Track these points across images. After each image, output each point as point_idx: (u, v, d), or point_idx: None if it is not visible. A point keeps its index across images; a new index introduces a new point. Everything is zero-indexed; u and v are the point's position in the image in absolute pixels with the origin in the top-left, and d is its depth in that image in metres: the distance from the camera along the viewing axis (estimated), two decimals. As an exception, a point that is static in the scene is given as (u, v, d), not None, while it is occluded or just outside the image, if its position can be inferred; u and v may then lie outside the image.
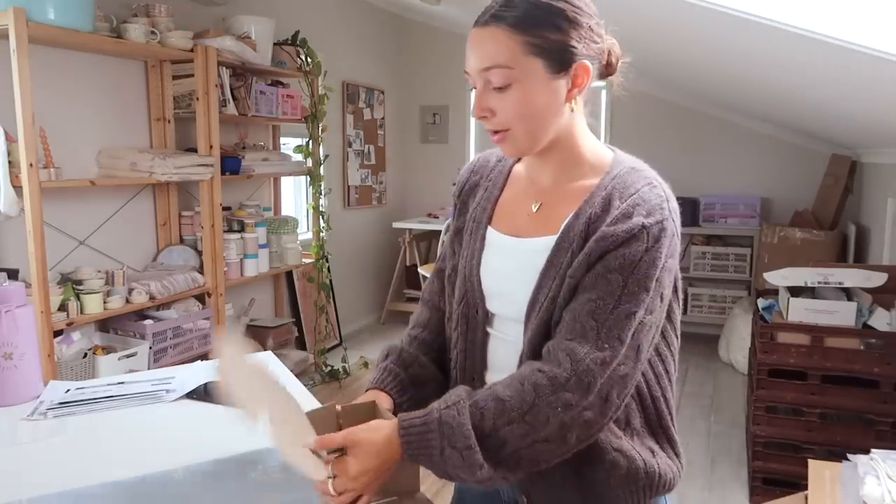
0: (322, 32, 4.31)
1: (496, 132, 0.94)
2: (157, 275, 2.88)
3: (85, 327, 2.64)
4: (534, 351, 0.93)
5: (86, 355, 2.47)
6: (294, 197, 4.61)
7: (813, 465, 1.46)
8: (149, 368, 2.62)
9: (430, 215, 5.45)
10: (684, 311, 4.82)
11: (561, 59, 0.90)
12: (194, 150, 3.05)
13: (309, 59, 3.67)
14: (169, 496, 0.94)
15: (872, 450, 1.44)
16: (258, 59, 3.27)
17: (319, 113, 3.74)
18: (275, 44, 3.52)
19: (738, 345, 4.13)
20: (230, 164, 3.18)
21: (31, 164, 2.21)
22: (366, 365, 4.13)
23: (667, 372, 0.98)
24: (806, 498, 1.40)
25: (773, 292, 2.94)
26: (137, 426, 1.18)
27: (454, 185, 1.16)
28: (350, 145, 4.89)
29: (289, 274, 4.14)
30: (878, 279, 2.56)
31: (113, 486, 0.95)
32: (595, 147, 0.99)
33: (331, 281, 4.01)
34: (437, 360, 1.10)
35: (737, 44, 2.38)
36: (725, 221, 4.78)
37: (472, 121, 5.47)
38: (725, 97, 4.34)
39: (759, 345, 2.62)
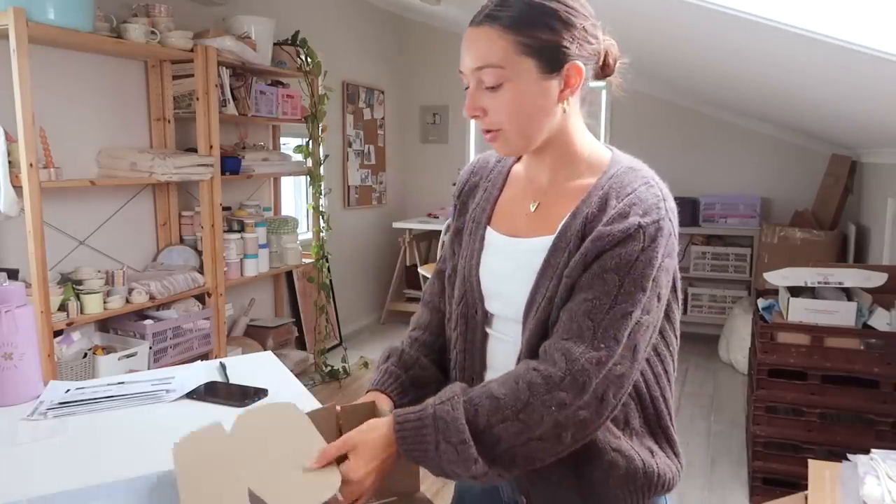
0: (322, 32, 4.31)
1: (488, 131, 0.95)
2: (157, 275, 2.88)
3: (85, 327, 2.64)
4: (531, 351, 0.93)
5: (86, 355, 2.47)
6: (294, 197, 4.61)
7: (813, 465, 1.46)
8: (149, 368, 2.62)
9: (430, 215, 5.45)
10: (684, 311, 4.86)
11: (553, 60, 0.90)
12: (194, 150, 3.05)
13: (309, 59, 3.67)
14: (169, 496, 0.94)
15: (872, 450, 1.44)
16: (258, 59, 3.27)
17: (319, 113, 3.74)
18: (275, 44, 3.52)
19: (738, 345, 4.13)
20: (230, 164, 3.18)
21: (31, 164, 2.21)
22: (366, 365, 4.13)
23: (666, 372, 0.98)
24: (806, 498, 1.40)
25: (773, 292, 2.94)
26: (137, 426, 1.18)
27: (454, 185, 1.16)
28: (350, 145, 4.89)
29: (289, 274, 4.14)
30: (878, 279, 2.56)
31: (113, 486, 0.95)
32: (593, 146, 0.99)
33: (331, 281, 4.01)
34: (438, 361, 1.11)
35: (737, 44, 2.38)
36: (725, 221, 4.78)
37: (472, 121, 5.46)
38: (725, 97, 4.34)
39: (759, 345, 2.62)
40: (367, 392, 1.05)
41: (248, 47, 3.16)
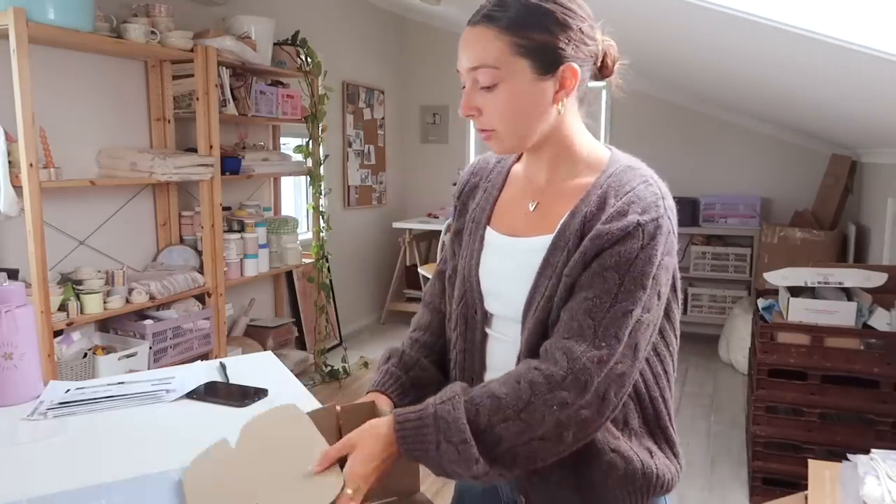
0: (322, 32, 4.31)
1: (483, 130, 0.95)
2: (157, 275, 2.88)
3: (85, 327, 2.64)
4: (531, 350, 0.93)
5: (86, 355, 2.47)
6: (294, 197, 4.61)
7: (813, 465, 1.46)
8: (149, 368, 2.62)
9: (430, 215, 5.45)
10: (684, 311, 4.86)
11: (548, 61, 0.90)
12: (194, 150, 3.05)
13: (309, 59, 3.67)
14: (169, 496, 0.94)
15: (872, 450, 1.44)
16: (258, 59, 3.27)
17: (319, 113, 3.74)
18: (275, 44, 3.52)
19: (738, 345, 4.13)
20: (230, 164, 3.18)
21: (31, 164, 2.21)
22: (366, 365, 4.13)
23: (665, 372, 0.97)
24: (806, 498, 1.40)
25: (773, 292, 2.94)
26: (137, 426, 1.18)
27: (454, 185, 1.16)
28: (350, 145, 4.89)
29: (289, 274, 4.14)
30: (878, 279, 2.56)
31: (113, 486, 0.95)
32: (591, 146, 0.99)
33: (331, 281, 4.01)
34: (439, 362, 1.11)
35: (735, 43, 2.38)
36: (725, 221, 4.78)
37: (473, 123, 5.46)
38: (725, 97, 4.34)
39: (759, 345, 2.62)
40: (368, 393, 1.05)
41: (248, 47, 3.16)
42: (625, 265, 0.87)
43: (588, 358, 0.84)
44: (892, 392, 2.41)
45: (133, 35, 2.60)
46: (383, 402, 1.01)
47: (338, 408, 0.96)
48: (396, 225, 5.21)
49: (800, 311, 2.56)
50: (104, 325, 2.80)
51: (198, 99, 2.94)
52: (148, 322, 2.76)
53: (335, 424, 0.95)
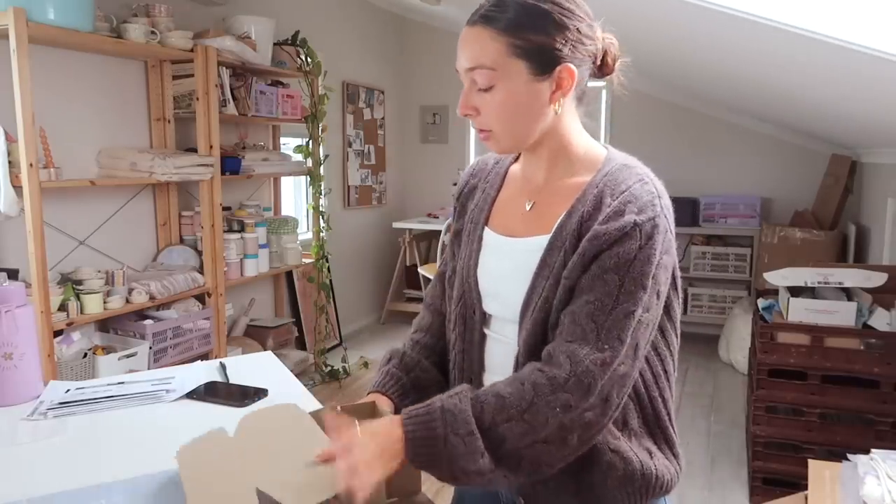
0: (322, 32, 4.31)
1: (482, 130, 0.96)
2: (157, 275, 2.88)
3: (85, 327, 2.64)
4: (529, 352, 0.93)
5: (86, 355, 2.47)
6: (294, 197, 4.61)
7: (813, 465, 1.46)
8: (149, 368, 2.62)
9: (430, 215, 5.45)
10: (684, 311, 4.85)
11: (544, 62, 0.90)
12: (194, 150, 3.05)
13: (309, 59, 3.67)
14: (169, 496, 0.94)
15: (872, 450, 1.44)
16: (258, 59, 3.27)
17: (319, 113, 3.74)
18: (275, 44, 3.52)
19: (738, 345, 4.13)
20: (230, 164, 3.18)
21: (31, 164, 2.21)
22: (366, 365, 4.13)
23: (665, 372, 0.97)
24: (806, 498, 1.40)
25: (773, 292, 2.94)
26: (137, 426, 1.18)
27: (454, 185, 1.16)
28: (350, 145, 4.89)
29: (289, 274, 4.14)
30: (878, 279, 2.56)
31: (113, 486, 0.95)
32: (588, 145, 0.99)
33: (331, 281, 4.01)
34: (439, 363, 1.11)
35: (736, 43, 2.38)
36: (725, 221, 4.78)
37: (472, 122, 5.47)
38: (725, 97, 4.34)
39: (759, 345, 2.62)
40: (368, 394, 1.05)
41: (248, 47, 3.16)
42: (624, 266, 0.87)
43: (591, 360, 0.84)
44: (892, 392, 2.41)
45: (133, 35, 2.60)
46: (384, 403, 1.01)
47: (338, 408, 0.96)
48: (396, 225, 5.21)
49: (800, 311, 2.56)
50: (104, 325, 2.80)
51: (198, 99, 2.94)
52: (148, 322, 2.76)
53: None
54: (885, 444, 2.31)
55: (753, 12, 1.79)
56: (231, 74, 3.21)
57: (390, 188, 5.53)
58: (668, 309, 0.95)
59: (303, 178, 4.24)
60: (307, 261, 3.84)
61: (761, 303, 2.89)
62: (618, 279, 0.87)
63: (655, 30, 2.78)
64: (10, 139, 2.26)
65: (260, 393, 1.30)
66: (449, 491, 1.16)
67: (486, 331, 1.02)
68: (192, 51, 2.87)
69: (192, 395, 1.30)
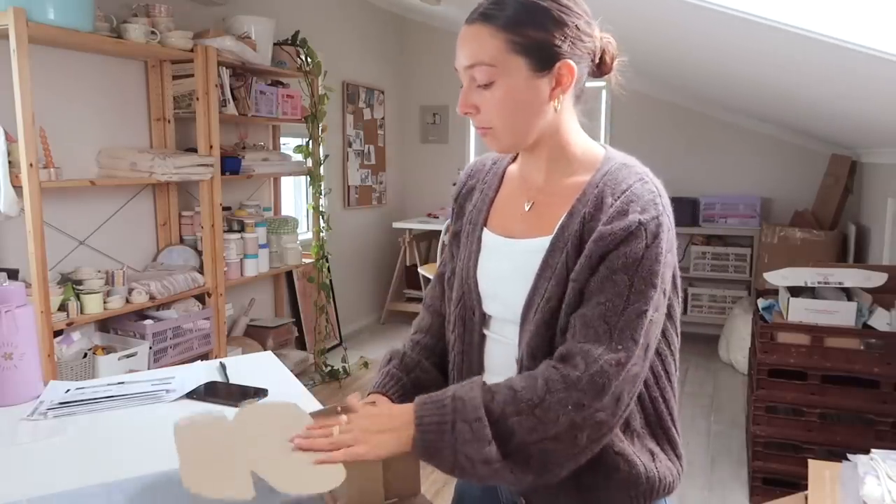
0: (322, 32, 4.31)
1: (482, 128, 0.95)
2: (157, 275, 2.88)
3: (85, 327, 2.64)
4: (532, 353, 0.92)
5: (86, 355, 2.47)
6: (294, 197, 4.61)
7: (813, 465, 1.46)
8: (149, 368, 2.62)
9: (430, 215, 5.45)
10: (684, 311, 4.85)
11: (544, 58, 0.90)
12: (194, 150, 3.05)
13: (309, 59, 3.67)
14: (169, 496, 0.94)
15: (872, 450, 1.44)
16: (258, 59, 3.27)
17: (319, 113, 3.75)
18: (275, 44, 3.52)
19: (738, 345, 4.13)
20: (230, 164, 3.18)
21: (31, 164, 2.21)
22: (366, 365, 4.13)
23: (666, 372, 0.97)
24: (806, 498, 1.40)
25: (773, 292, 2.94)
26: (137, 426, 1.18)
27: (454, 185, 1.16)
28: (350, 145, 4.89)
29: (289, 274, 4.14)
30: (878, 279, 2.56)
31: (113, 486, 0.95)
32: (586, 144, 0.99)
33: (331, 281, 4.01)
34: (440, 364, 1.11)
35: (731, 42, 2.38)
36: (725, 221, 4.78)
37: (472, 121, 5.47)
38: (723, 97, 4.34)
39: (759, 345, 2.62)
40: (369, 394, 1.05)
41: (248, 47, 3.16)
42: (633, 266, 0.87)
43: (606, 361, 0.84)
44: (892, 392, 2.41)
45: (133, 35, 2.60)
46: (384, 404, 1.01)
47: (338, 408, 0.96)
48: (396, 225, 5.21)
49: (800, 311, 2.56)
50: (104, 325, 2.80)
51: (198, 99, 2.94)
52: (148, 322, 2.76)
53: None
54: (885, 444, 2.31)
55: (748, 11, 1.79)
56: (231, 74, 3.21)
57: (390, 188, 5.53)
58: (668, 309, 0.95)
59: (303, 178, 4.24)
60: (307, 261, 3.84)
61: (761, 303, 2.89)
62: (627, 279, 0.86)
63: (652, 29, 2.79)
64: (10, 139, 2.26)
65: (260, 393, 1.30)
66: (448, 491, 1.16)
67: (485, 332, 1.02)
68: (192, 51, 2.87)
69: (192, 395, 1.30)
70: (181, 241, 3.20)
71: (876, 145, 3.58)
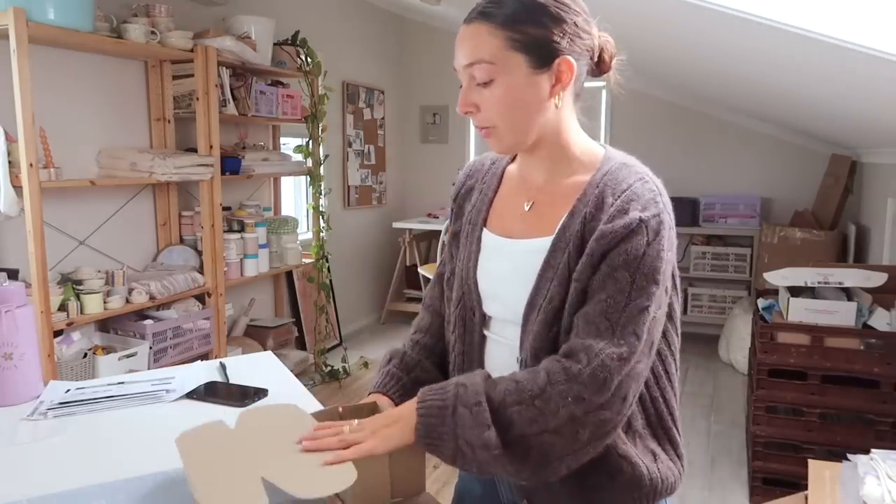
0: (322, 32, 4.31)
1: (482, 128, 0.95)
2: (157, 275, 2.88)
3: (85, 327, 2.64)
4: (536, 355, 0.92)
5: (86, 355, 2.47)
6: (294, 197, 4.61)
7: (813, 465, 1.46)
8: (149, 368, 2.62)
9: (430, 215, 5.45)
10: (684, 311, 4.85)
11: (543, 55, 0.90)
12: (194, 150, 3.05)
13: (309, 59, 3.67)
14: (169, 496, 0.94)
15: (872, 450, 1.44)
16: (258, 59, 3.27)
17: (319, 113, 3.75)
18: (275, 44, 3.52)
19: (738, 345, 4.13)
20: (230, 164, 3.18)
21: (31, 164, 2.21)
22: (366, 365, 4.13)
23: (667, 372, 0.97)
24: (806, 498, 1.40)
25: (773, 292, 2.94)
26: (137, 426, 1.18)
27: (454, 185, 1.16)
28: (350, 145, 4.89)
29: (289, 274, 4.14)
30: (878, 279, 2.56)
31: (113, 486, 0.95)
32: (586, 144, 0.99)
33: (331, 281, 4.01)
34: (440, 364, 1.11)
35: (728, 41, 2.38)
36: (725, 221, 4.78)
37: (472, 120, 5.47)
38: (723, 97, 4.34)
39: (759, 345, 2.62)
40: (369, 394, 1.05)
41: (248, 47, 3.16)
42: (634, 262, 0.87)
43: (607, 355, 0.84)
44: (892, 392, 2.41)
45: (133, 35, 2.60)
46: (385, 404, 1.01)
47: (340, 409, 0.96)
48: (396, 225, 5.21)
49: (800, 311, 2.56)
50: (104, 325, 2.80)
51: (198, 99, 2.94)
52: (148, 322, 2.76)
53: None
54: (885, 444, 2.31)
55: (747, 10, 1.79)
56: (231, 74, 3.21)
57: (390, 188, 5.53)
58: (668, 309, 0.95)
59: (303, 178, 4.24)
60: (307, 261, 3.84)
61: (761, 303, 2.89)
62: (629, 276, 0.87)
63: (651, 28, 2.79)
64: (10, 139, 2.26)
65: (260, 393, 1.30)
66: (448, 491, 1.17)
67: (485, 332, 1.02)
68: (192, 51, 2.87)
69: (192, 395, 1.30)
70: (181, 241, 3.20)
71: (876, 145, 3.58)
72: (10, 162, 2.24)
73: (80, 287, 2.51)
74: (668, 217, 0.91)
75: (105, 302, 2.56)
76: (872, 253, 3.78)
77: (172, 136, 3.06)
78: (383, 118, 5.34)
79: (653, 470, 0.94)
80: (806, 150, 4.74)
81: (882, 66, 1.77)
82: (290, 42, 3.64)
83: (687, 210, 4.74)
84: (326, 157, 3.92)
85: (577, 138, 0.98)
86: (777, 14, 1.74)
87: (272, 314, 4.05)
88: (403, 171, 5.74)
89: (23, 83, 2.16)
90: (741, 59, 2.67)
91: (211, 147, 2.99)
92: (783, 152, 4.80)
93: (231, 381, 1.38)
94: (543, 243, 0.95)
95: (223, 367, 1.45)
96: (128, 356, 2.59)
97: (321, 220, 3.85)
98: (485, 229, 1.04)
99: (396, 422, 0.87)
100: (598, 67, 0.97)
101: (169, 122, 3.04)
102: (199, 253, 3.11)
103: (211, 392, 1.31)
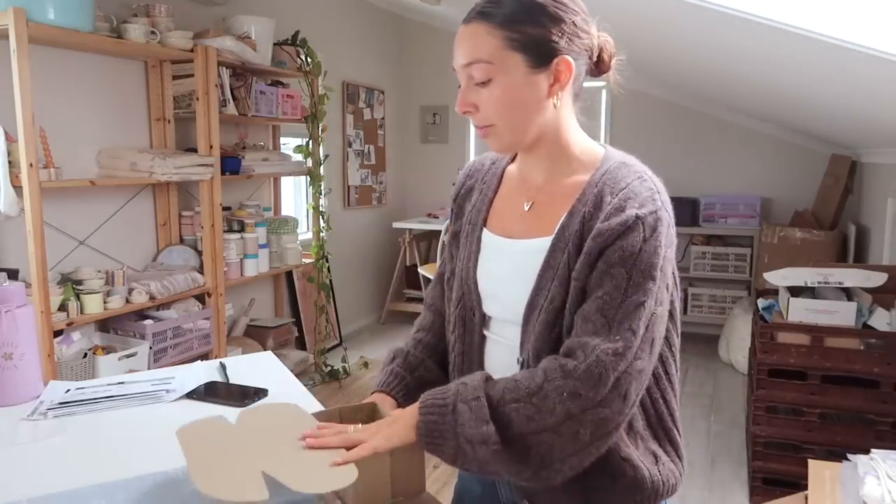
0: (322, 32, 4.31)
1: (481, 127, 0.95)
2: (157, 275, 2.88)
3: (85, 327, 2.64)
4: (538, 355, 0.92)
5: (86, 355, 2.47)
6: (294, 197, 4.61)
7: (813, 465, 1.46)
8: (149, 368, 2.62)
9: (430, 215, 5.45)
10: (684, 311, 4.85)
11: (541, 54, 0.90)
12: (194, 150, 3.05)
13: (309, 59, 3.67)
14: (169, 496, 0.94)
15: (872, 450, 1.44)
16: (258, 59, 3.27)
17: (319, 113, 3.75)
18: (275, 44, 3.52)
19: (738, 345, 4.13)
20: (230, 164, 3.18)
21: (31, 164, 2.21)
22: (366, 365, 4.13)
23: (667, 373, 0.97)
24: (806, 498, 1.40)
25: (773, 292, 2.94)
26: (137, 426, 1.18)
27: (454, 185, 1.16)
28: (350, 145, 4.89)
29: (289, 274, 4.14)
30: (878, 279, 2.56)
31: (113, 486, 0.95)
32: (585, 143, 0.99)
33: (331, 281, 4.01)
34: (442, 363, 1.11)
35: (728, 41, 2.38)
36: (725, 221, 4.78)
37: (471, 120, 5.47)
38: (723, 96, 4.34)
39: (759, 345, 2.62)
40: (372, 393, 1.05)
41: (248, 47, 3.16)
42: (630, 259, 0.86)
43: (602, 350, 0.83)
44: (892, 392, 2.41)
45: (133, 35, 2.60)
46: (386, 404, 1.01)
47: (339, 412, 0.96)
48: (396, 225, 5.21)
49: (800, 311, 2.56)
50: (104, 325, 2.80)
51: (198, 99, 2.94)
52: (148, 322, 2.76)
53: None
54: (885, 444, 2.31)
55: (747, 10, 1.79)
56: (231, 74, 3.21)
57: (390, 188, 5.53)
58: (668, 309, 0.95)
59: (303, 178, 4.24)
60: (307, 261, 3.84)
61: (761, 303, 2.89)
62: (625, 272, 0.86)
63: (650, 28, 2.79)
64: (10, 139, 2.26)
65: (260, 393, 1.30)
66: (448, 491, 1.16)
67: (485, 332, 1.02)
68: (192, 51, 2.87)
69: (192, 395, 1.30)
70: (181, 241, 3.20)
71: (876, 145, 3.58)
72: (10, 162, 2.24)
73: (80, 287, 2.51)
74: (667, 214, 0.90)
75: (105, 302, 2.56)
76: (872, 253, 3.78)
77: (172, 136, 3.06)
78: (383, 118, 5.34)
79: (654, 473, 0.94)
80: (806, 150, 4.74)
81: (882, 66, 1.77)
82: (290, 42, 3.64)
83: (687, 210, 4.74)
84: (326, 157, 3.92)
85: (576, 138, 0.98)
86: (777, 14, 1.74)
87: (272, 314, 4.05)
88: (403, 171, 5.75)
89: (23, 83, 2.16)
90: (741, 59, 2.67)
91: (211, 147, 2.99)
92: (783, 152, 4.80)
93: (231, 381, 1.38)
94: (543, 243, 0.94)
95: (223, 367, 1.45)
96: (128, 356, 2.59)
97: (321, 220, 3.85)
98: (485, 229, 1.04)
99: (400, 420, 0.88)
100: (598, 67, 0.97)
101: (169, 122, 3.04)
102: (199, 253, 3.11)
103: (211, 392, 1.31)
